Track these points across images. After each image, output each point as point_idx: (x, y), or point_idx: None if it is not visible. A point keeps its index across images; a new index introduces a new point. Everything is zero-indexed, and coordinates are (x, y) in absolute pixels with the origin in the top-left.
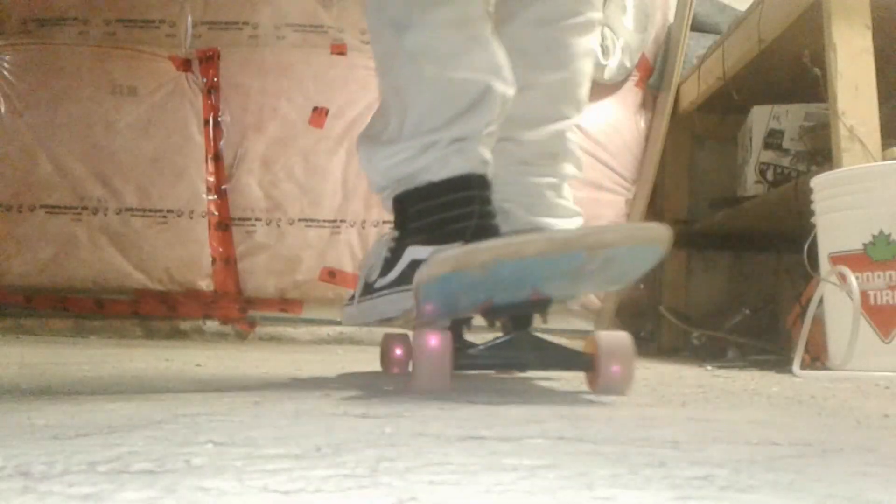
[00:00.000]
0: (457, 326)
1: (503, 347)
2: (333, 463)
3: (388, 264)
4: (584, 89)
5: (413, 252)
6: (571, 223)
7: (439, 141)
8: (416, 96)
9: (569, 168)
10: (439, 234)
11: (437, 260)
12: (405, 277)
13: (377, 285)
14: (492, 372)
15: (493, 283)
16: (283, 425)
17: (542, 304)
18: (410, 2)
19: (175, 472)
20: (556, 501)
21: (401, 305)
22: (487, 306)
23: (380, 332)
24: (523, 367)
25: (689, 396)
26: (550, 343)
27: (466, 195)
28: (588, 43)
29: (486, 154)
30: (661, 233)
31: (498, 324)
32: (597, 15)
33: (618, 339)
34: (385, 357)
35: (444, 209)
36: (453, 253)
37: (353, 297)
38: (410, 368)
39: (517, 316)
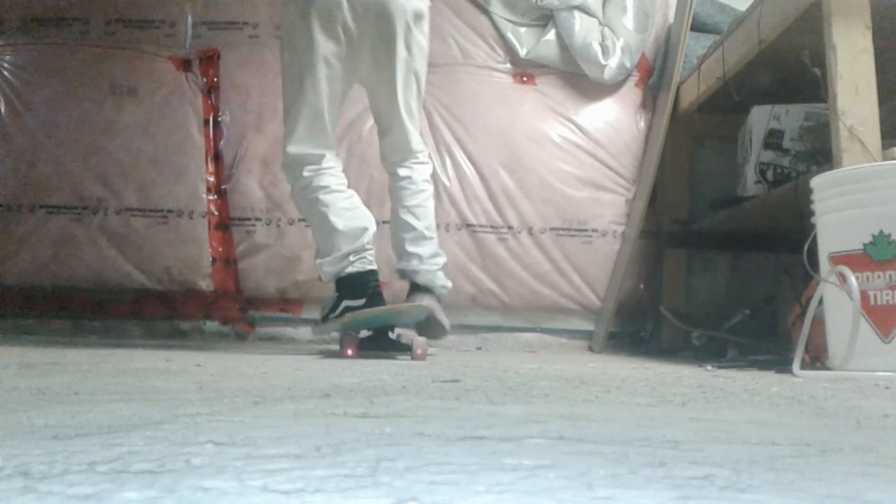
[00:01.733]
0: (376, 333)
1: (376, 343)
2: (333, 463)
3: (333, 308)
4: (433, 230)
5: (346, 302)
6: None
7: (348, 253)
8: (335, 236)
9: (441, 265)
10: (358, 294)
11: (347, 316)
12: (341, 314)
13: (330, 317)
14: (380, 352)
15: (369, 322)
16: (283, 425)
17: (391, 327)
18: (324, 197)
19: (175, 472)
20: (556, 501)
21: (335, 328)
22: (372, 327)
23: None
24: (383, 350)
25: (689, 396)
26: (394, 340)
27: (367, 279)
28: (431, 216)
29: (372, 258)
30: (422, 307)
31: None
32: (431, 205)
33: (421, 339)
34: (341, 346)
35: (359, 285)
36: (354, 313)
37: (317, 321)
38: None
39: (381, 332)
